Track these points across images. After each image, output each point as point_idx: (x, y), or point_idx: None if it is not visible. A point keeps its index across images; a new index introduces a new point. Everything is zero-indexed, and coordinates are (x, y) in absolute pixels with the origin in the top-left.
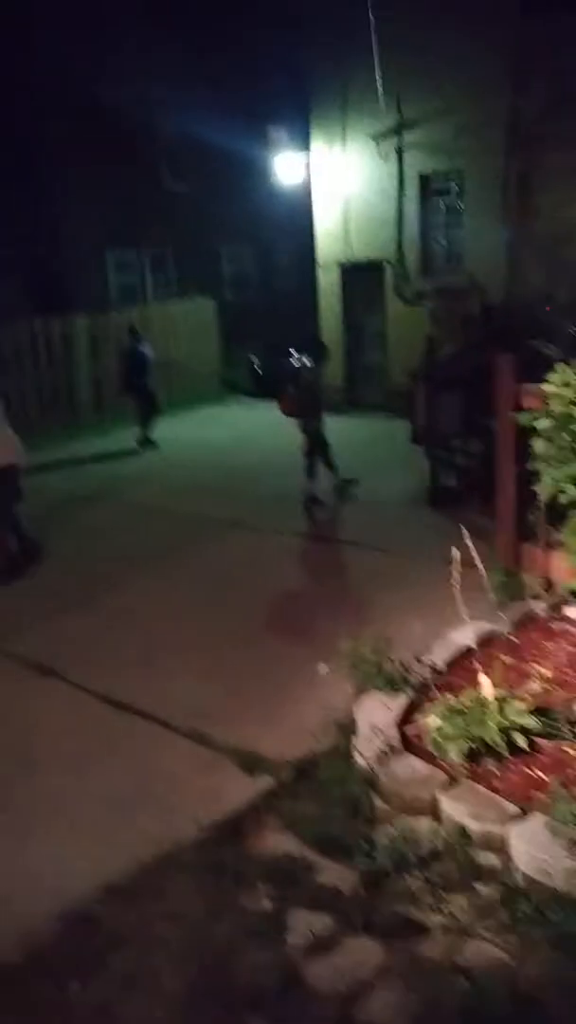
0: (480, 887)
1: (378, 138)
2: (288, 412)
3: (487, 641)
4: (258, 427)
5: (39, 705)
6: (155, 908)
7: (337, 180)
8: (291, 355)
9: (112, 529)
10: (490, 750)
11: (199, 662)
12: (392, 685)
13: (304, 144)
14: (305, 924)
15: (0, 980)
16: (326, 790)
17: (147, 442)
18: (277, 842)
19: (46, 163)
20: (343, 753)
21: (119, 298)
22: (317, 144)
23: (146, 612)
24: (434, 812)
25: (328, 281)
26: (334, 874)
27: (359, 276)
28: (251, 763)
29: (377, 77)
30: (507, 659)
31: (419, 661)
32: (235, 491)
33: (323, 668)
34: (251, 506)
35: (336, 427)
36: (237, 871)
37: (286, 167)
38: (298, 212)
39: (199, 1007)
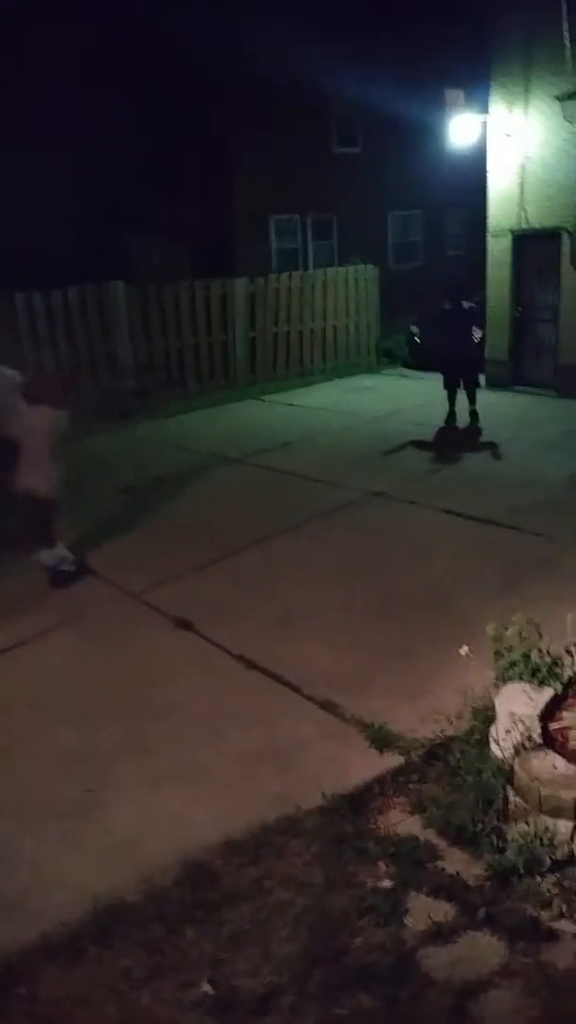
0: None
1: (563, 99)
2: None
3: None
4: (412, 397)
5: (175, 658)
6: (274, 869)
7: (515, 143)
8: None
9: (255, 491)
10: None
11: (337, 630)
12: (538, 676)
13: (482, 106)
14: (425, 909)
15: (121, 916)
16: (458, 776)
17: (474, 415)
18: (402, 822)
19: (218, 129)
20: (479, 740)
21: (280, 264)
22: (496, 106)
23: (286, 575)
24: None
25: (499, 249)
26: (459, 863)
27: (533, 245)
28: (381, 739)
29: (565, 34)
30: None
31: (570, 654)
32: (383, 461)
33: (464, 650)
34: (398, 477)
35: (499, 403)
36: (359, 845)
37: (461, 130)
38: (471, 177)
39: (309, 975)
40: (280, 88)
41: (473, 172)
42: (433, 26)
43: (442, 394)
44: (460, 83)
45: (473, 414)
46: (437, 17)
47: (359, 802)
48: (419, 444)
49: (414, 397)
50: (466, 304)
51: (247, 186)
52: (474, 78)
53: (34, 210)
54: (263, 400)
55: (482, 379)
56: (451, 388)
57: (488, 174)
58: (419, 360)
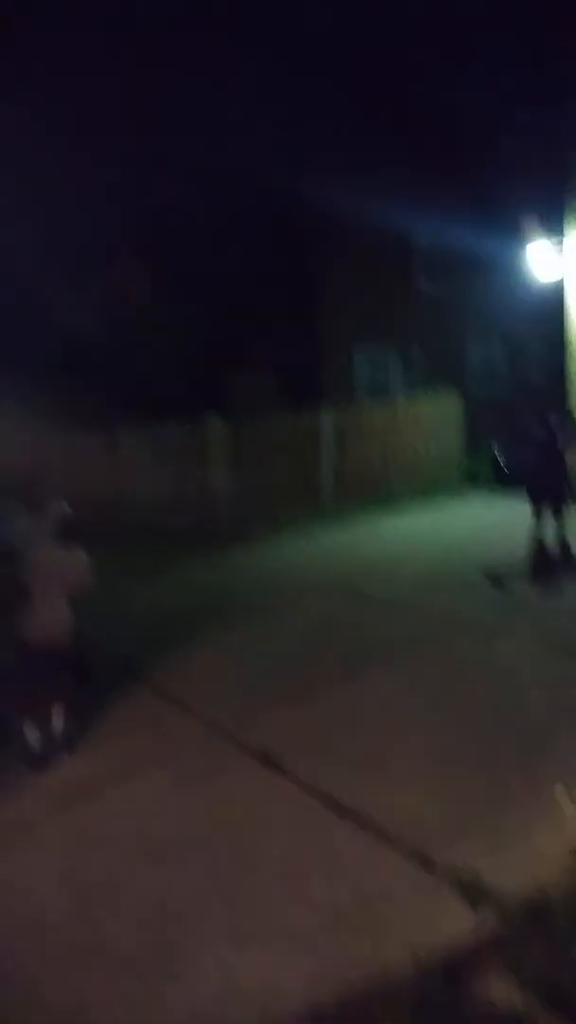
0: None
1: None
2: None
3: None
4: (498, 522)
5: (261, 798)
6: None
7: None
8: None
9: (343, 619)
10: None
11: (427, 770)
12: None
13: (558, 231)
14: None
15: None
16: (560, 934)
17: (565, 545)
18: (499, 988)
19: (309, 270)
20: None
21: (366, 392)
22: (572, 229)
23: (373, 712)
24: None
25: None
26: None
27: None
28: (475, 894)
29: None
30: None
31: None
32: (472, 588)
33: (561, 792)
34: (488, 605)
35: None
36: (454, 1015)
37: (539, 256)
38: (551, 299)
39: None
40: (363, 232)
41: (553, 294)
42: (508, 157)
43: (530, 516)
44: (537, 209)
45: (564, 544)
46: (512, 149)
47: (452, 965)
48: (508, 569)
49: (501, 519)
50: (551, 418)
51: (333, 323)
52: (551, 203)
53: (142, 351)
54: (350, 526)
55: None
56: (538, 508)
57: (566, 297)
58: (504, 480)
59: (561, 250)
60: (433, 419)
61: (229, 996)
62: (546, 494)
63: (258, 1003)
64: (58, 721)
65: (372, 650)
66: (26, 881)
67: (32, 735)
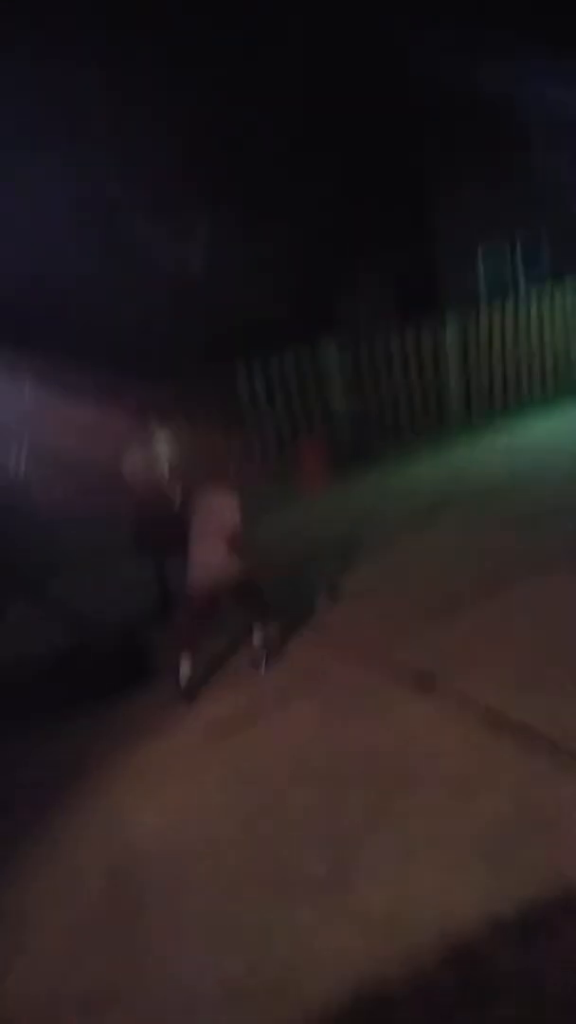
0: None
1: None
2: None
3: None
4: None
5: (419, 719)
6: (549, 951)
7: None
8: None
9: (485, 535)
10: None
11: None
12: None
13: None
14: None
15: (386, 1003)
16: None
17: None
18: None
19: (422, 160)
20: None
21: (489, 293)
22: None
23: (527, 623)
24: None
25: None
26: None
27: None
28: None
29: None
30: None
31: None
32: None
33: None
34: None
35: None
36: None
37: None
38: None
39: None
40: (484, 109)
41: None
42: None
43: None
44: None
45: None
46: None
47: None
48: None
49: None
50: None
51: (453, 219)
52: None
53: (245, 283)
54: (483, 438)
55: None
56: None
57: None
58: None
59: None
60: (568, 316)
61: (401, 908)
62: None
63: (431, 914)
64: (257, 639)
65: (516, 563)
66: (191, 812)
67: (185, 670)
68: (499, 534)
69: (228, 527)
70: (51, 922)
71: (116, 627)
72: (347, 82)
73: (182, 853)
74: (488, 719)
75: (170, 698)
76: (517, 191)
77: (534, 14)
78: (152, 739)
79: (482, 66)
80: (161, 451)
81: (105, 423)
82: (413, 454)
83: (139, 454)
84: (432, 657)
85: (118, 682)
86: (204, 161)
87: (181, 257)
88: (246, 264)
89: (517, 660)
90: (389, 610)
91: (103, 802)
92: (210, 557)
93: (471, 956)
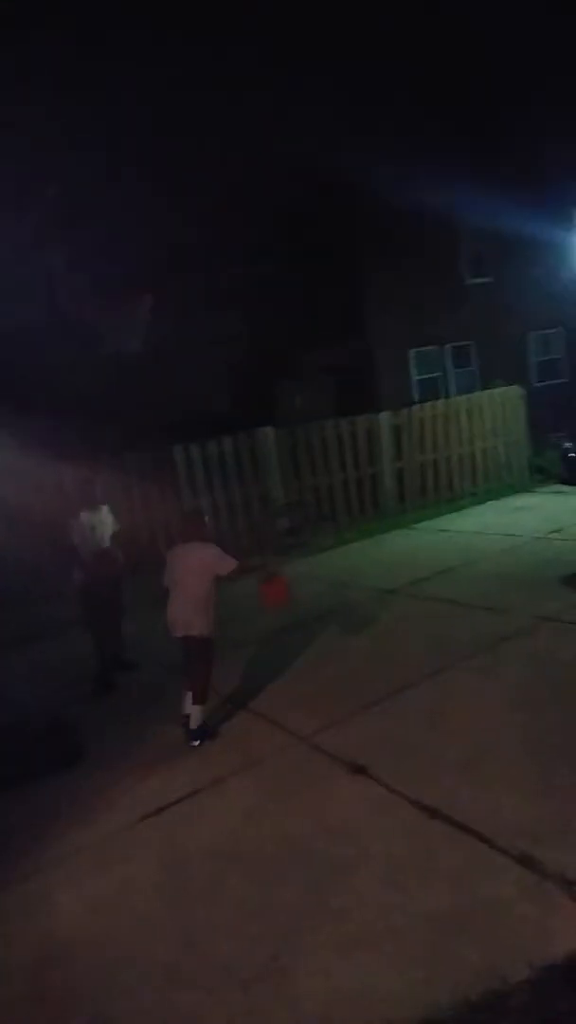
0: None
1: None
2: None
3: None
4: (574, 515)
5: (353, 806)
6: None
7: None
8: None
9: (417, 623)
10: None
11: (523, 771)
12: None
13: None
14: None
15: None
16: None
17: None
18: None
19: (353, 272)
20: None
21: (422, 393)
22: None
23: (460, 711)
24: None
25: None
26: None
27: None
28: None
29: None
30: None
31: None
32: (549, 584)
33: None
34: (568, 600)
35: None
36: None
37: None
38: None
39: None
40: (408, 225)
41: None
42: (555, 149)
43: None
44: None
45: None
46: (560, 140)
47: (571, 974)
48: None
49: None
50: None
51: (382, 323)
52: None
53: (188, 368)
54: (415, 528)
55: None
56: None
57: None
58: (574, 475)
59: None
60: (496, 415)
61: (335, 1005)
62: None
63: (366, 1011)
64: (188, 706)
65: (449, 650)
66: (120, 898)
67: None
68: (431, 622)
69: (207, 572)
70: None
71: (47, 706)
72: (292, 197)
73: (109, 942)
74: (422, 810)
75: (101, 777)
76: (448, 299)
77: (459, 133)
78: (82, 820)
79: (415, 187)
80: (105, 520)
81: (52, 495)
82: (349, 542)
83: (84, 523)
84: (366, 744)
85: (47, 762)
86: (150, 265)
87: (127, 340)
88: (190, 353)
89: (449, 750)
90: (325, 695)
91: (30, 886)
92: (177, 613)
93: None
